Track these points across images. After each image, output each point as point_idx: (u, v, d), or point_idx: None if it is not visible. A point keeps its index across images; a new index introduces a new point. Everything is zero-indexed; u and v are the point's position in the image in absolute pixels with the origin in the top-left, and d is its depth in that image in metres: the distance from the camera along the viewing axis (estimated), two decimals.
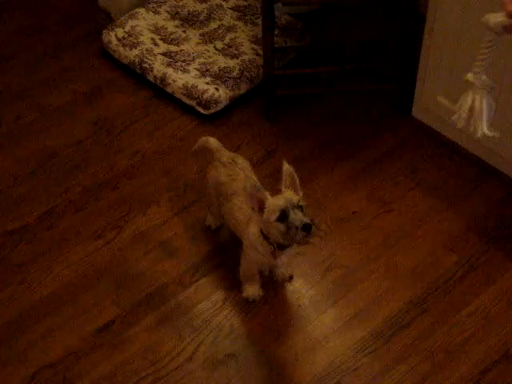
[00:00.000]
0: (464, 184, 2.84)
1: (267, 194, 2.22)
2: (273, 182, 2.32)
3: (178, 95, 3.15)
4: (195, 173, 2.89)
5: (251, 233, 2.34)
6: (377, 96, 3.18)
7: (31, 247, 2.70)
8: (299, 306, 2.53)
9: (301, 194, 2.23)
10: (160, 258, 2.65)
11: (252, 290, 2.51)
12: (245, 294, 2.52)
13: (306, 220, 2.15)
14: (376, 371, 2.35)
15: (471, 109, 1.56)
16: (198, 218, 2.75)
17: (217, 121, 3.11)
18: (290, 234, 2.16)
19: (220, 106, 3.10)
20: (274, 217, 2.18)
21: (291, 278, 2.58)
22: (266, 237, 2.28)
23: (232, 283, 2.56)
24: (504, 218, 2.74)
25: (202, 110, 3.11)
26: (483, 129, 1.55)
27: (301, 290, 2.57)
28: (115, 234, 2.73)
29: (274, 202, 2.19)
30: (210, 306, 2.52)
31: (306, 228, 2.15)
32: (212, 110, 3.10)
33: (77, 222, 2.78)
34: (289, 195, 2.20)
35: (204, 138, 2.64)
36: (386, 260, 2.64)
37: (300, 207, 2.18)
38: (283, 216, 2.16)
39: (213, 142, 2.61)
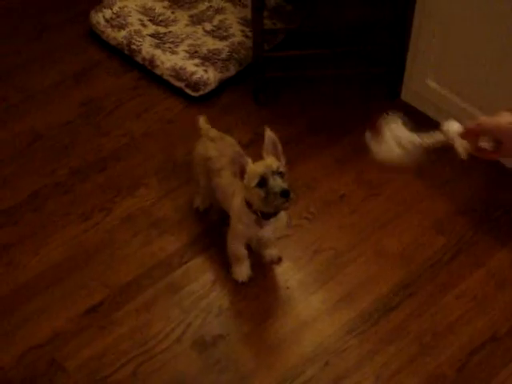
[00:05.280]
0: (452, 167, 2.84)
1: (249, 160, 2.23)
2: None
3: (167, 77, 3.13)
4: (184, 154, 2.88)
5: (236, 202, 2.35)
6: (366, 79, 3.17)
7: (18, 229, 2.68)
8: (288, 287, 2.53)
9: (283, 160, 2.24)
10: (149, 240, 2.64)
11: (241, 271, 2.51)
12: (234, 276, 2.52)
13: (285, 186, 2.16)
14: (364, 353, 2.36)
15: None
16: (187, 200, 2.75)
17: (205, 103, 3.10)
18: (269, 199, 2.18)
19: (209, 88, 3.09)
20: (253, 182, 2.20)
21: (280, 259, 2.58)
22: (249, 205, 2.29)
23: (221, 265, 2.56)
24: (492, 201, 2.75)
25: (190, 92, 3.09)
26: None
27: (289, 272, 2.57)
28: (103, 216, 2.72)
29: (254, 168, 2.21)
30: (199, 288, 2.52)
31: (285, 193, 2.16)
32: (201, 92, 3.08)
33: (64, 204, 2.76)
34: (269, 162, 2.21)
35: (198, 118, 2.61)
36: (374, 243, 2.64)
37: (280, 173, 2.19)
38: (263, 182, 2.18)
39: (201, 120, 2.60)
